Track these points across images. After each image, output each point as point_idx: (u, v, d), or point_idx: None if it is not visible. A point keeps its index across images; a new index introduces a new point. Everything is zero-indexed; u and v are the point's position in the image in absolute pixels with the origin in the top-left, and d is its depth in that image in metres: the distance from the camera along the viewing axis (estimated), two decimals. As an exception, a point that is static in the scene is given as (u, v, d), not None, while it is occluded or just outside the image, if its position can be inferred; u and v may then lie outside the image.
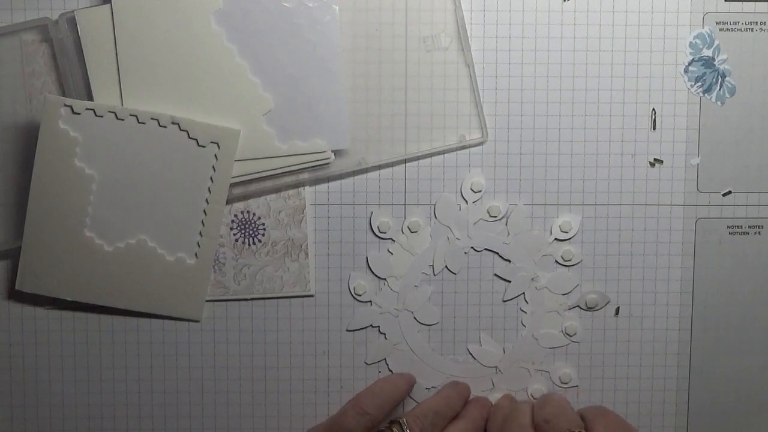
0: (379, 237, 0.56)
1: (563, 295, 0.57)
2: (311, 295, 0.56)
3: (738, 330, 0.57)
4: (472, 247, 0.56)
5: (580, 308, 0.57)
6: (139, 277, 0.55)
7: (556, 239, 0.56)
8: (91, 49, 0.53)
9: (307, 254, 0.56)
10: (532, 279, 0.56)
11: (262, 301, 0.56)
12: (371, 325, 0.57)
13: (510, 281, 0.56)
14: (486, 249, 0.56)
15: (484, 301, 0.57)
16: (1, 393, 0.57)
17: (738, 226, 0.56)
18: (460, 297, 0.57)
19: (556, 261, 0.56)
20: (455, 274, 0.56)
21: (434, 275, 0.56)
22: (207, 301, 0.56)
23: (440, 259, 0.56)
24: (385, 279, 0.56)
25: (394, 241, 0.56)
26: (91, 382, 0.57)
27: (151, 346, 0.57)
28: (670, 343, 0.57)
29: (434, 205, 0.56)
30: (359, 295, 0.56)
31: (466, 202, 0.56)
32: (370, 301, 0.56)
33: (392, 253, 0.56)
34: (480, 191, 0.55)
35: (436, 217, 0.56)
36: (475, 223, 0.56)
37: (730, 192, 0.56)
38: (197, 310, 0.56)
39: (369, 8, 0.55)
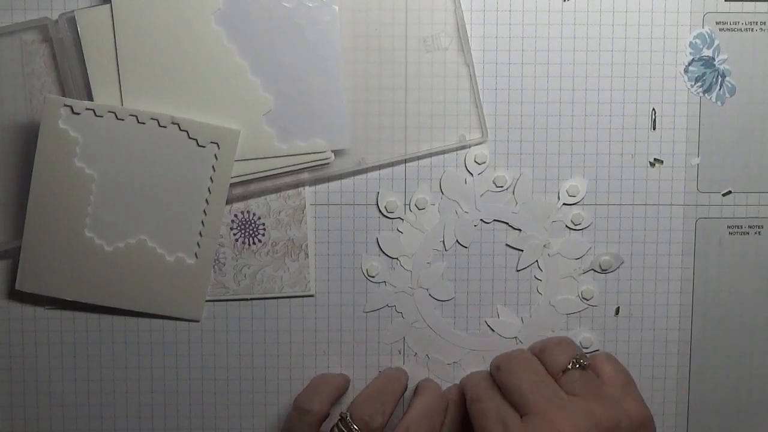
0: (387, 217, 0.56)
1: (576, 259, 0.56)
2: (311, 295, 0.56)
3: (738, 330, 0.57)
4: (481, 220, 0.56)
5: (595, 271, 0.57)
6: (139, 277, 0.55)
7: (564, 204, 0.56)
8: (91, 49, 0.53)
9: (307, 254, 0.56)
10: (544, 246, 0.56)
11: (262, 301, 0.56)
12: (387, 305, 0.57)
13: (522, 250, 0.56)
14: (495, 220, 0.56)
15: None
16: (1, 393, 0.57)
17: (738, 226, 0.56)
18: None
19: (567, 226, 0.56)
20: (467, 248, 0.56)
21: (446, 251, 0.56)
22: (207, 301, 0.56)
23: (450, 234, 0.56)
24: (396, 258, 0.56)
25: (402, 220, 0.56)
26: (91, 382, 0.57)
27: (151, 346, 0.57)
28: (670, 343, 0.57)
29: (440, 180, 0.56)
30: (372, 277, 0.56)
31: (472, 174, 0.56)
32: (384, 282, 0.56)
33: (402, 232, 0.56)
34: (484, 162, 0.55)
35: (442, 193, 0.56)
36: (482, 195, 0.56)
37: (730, 192, 0.56)
38: (197, 310, 0.56)
39: (369, 8, 0.55)
